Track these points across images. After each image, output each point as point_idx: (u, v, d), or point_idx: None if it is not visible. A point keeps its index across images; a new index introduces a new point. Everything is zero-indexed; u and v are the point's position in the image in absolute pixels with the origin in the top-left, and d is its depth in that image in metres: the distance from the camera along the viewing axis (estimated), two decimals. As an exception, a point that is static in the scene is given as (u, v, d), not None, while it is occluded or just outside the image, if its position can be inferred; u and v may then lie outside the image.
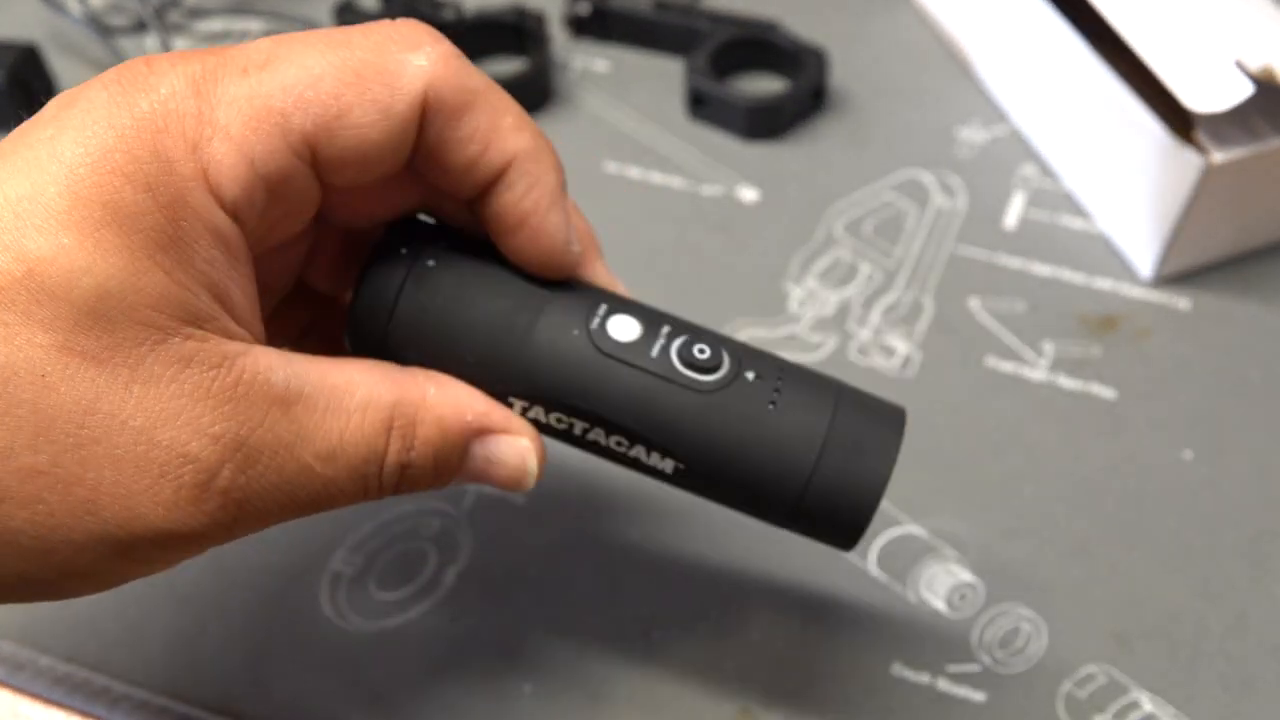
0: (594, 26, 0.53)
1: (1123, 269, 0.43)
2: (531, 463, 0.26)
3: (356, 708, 0.32)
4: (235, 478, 0.21)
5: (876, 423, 0.26)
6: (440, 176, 0.25)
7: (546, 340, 0.25)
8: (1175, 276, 0.42)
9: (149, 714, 0.32)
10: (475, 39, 0.52)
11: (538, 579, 0.35)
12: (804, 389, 0.25)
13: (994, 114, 0.49)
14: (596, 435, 0.25)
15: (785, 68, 0.50)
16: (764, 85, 0.51)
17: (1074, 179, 0.45)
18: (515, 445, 0.25)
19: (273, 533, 0.36)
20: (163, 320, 0.21)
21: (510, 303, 0.25)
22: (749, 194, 0.46)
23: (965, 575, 0.34)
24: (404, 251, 0.25)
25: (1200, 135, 0.38)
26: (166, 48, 0.49)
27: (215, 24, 0.55)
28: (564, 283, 0.26)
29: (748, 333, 0.41)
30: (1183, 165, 0.38)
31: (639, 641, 0.33)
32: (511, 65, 0.52)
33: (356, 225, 0.27)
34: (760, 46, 0.50)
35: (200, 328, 0.21)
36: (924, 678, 0.32)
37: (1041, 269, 0.43)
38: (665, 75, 0.51)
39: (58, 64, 0.52)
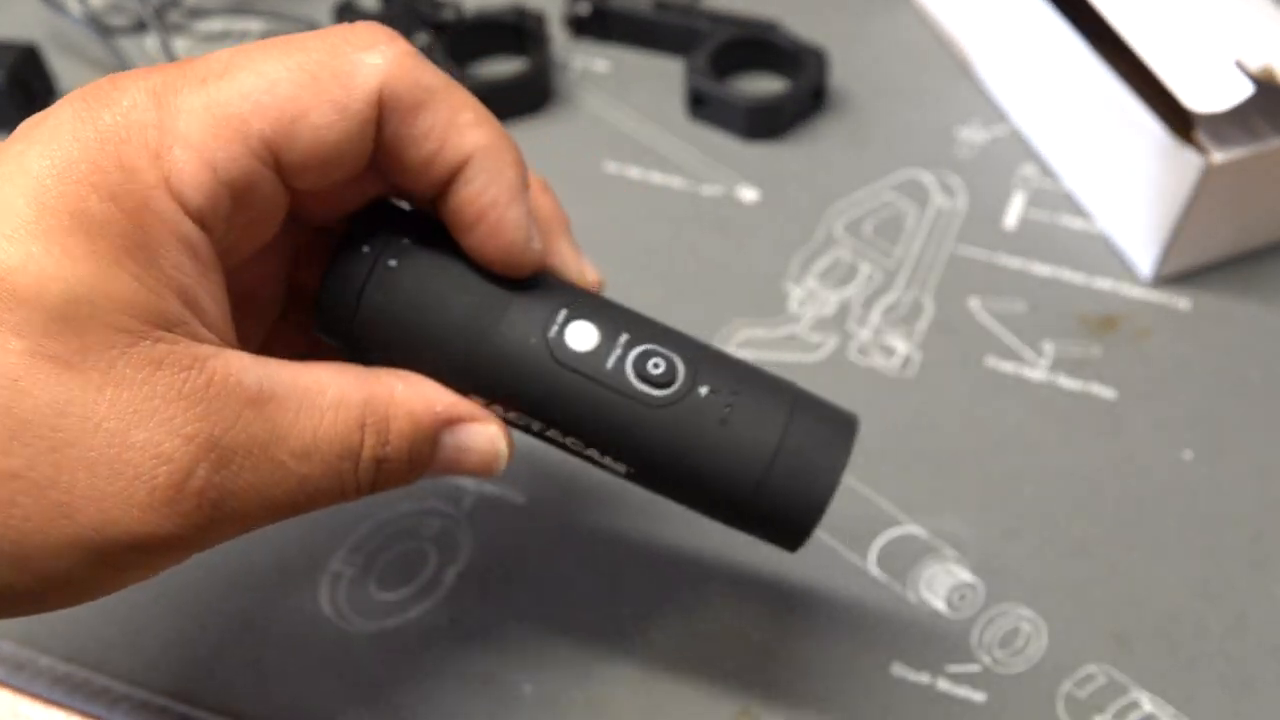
0: (594, 26, 0.53)
1: (1123, 269, 0.43)
2: (500, 445, 0.26)
3: (356, 708, 0.32)
4: (210, 477, 0.21)
5: (828, 434, 0.26)
6: (400, 175, 0.25)
7: (505, 347, 0.25)
8: (1175, 276, 0.42)
9: (149, 714, 0.32)
10: (475, 39, 0.52)
11: (537, 579, 0.35)
12: (758, 402, 0.26)
13: (994, 114, 0.49)
14: (554, 434, 0.26)
15: (785, 68, 0.50)
16: (764, 85, 0.51)
17: (1074, 179, 0.45)
18: (484, 431, 0.26)
19: (273, 533, 0.36)
20: (132, 324, 0.21)
21: (471, 305, 0.25)
22: (749, 194, 0.46)
23: (965, 575, 0.34)
24: (366, 249, 0.25)
25: (1200, 135, 0.38)
26: (167, 47, 0.49)
27: (215, 24, 0.55)
28: (527, 280, 0.26)
29: (747, 333, 0.41)
30: (1183, 165, 0.38)
31: (639, 641, 0.33)
32: (511, 65, 0.52)
33: (330, 225, 0.27)
34: (760, 46, 0.50)
35: (170, 330, 0.21)
36: (924, 678, 0.32)
37: (1041, 269, 0.43)
38: (665, 75, 0.51)
39: (58, 64, 0.52)
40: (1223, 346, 0.40)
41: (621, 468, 0.26)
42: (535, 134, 0.49)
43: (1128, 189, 0.42)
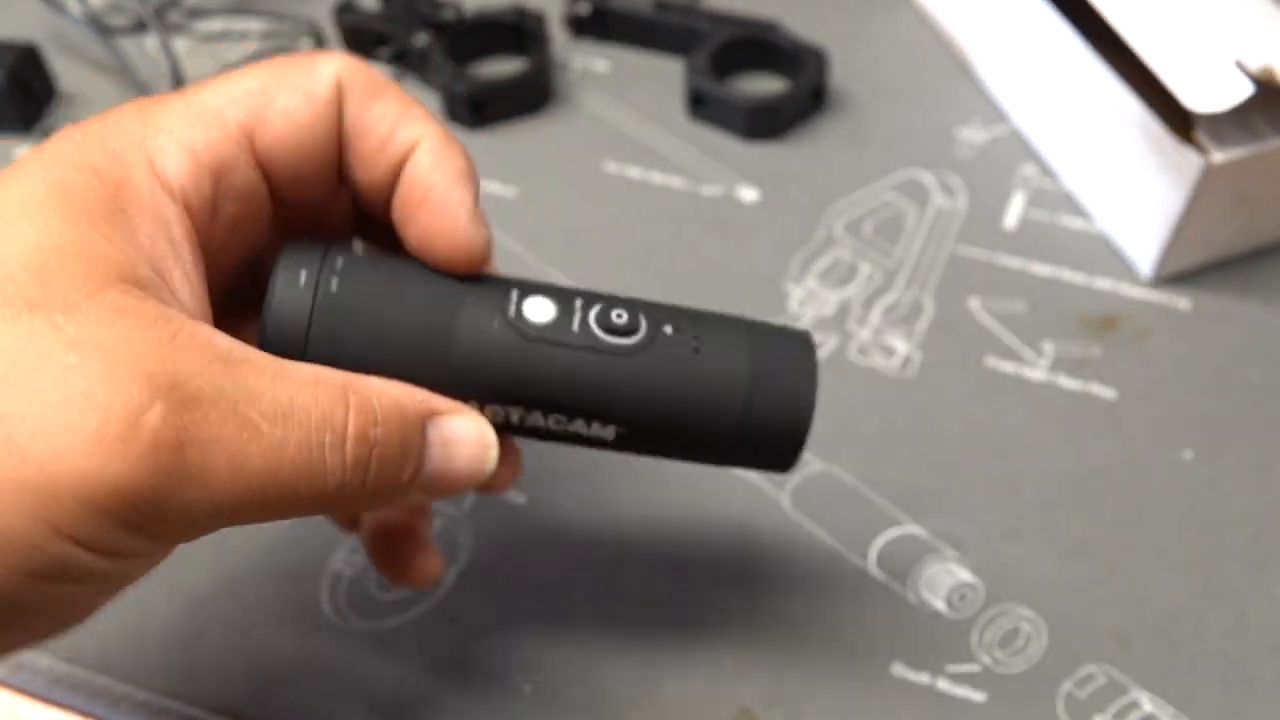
0: (594, 26, 0.53)
1: (1123, 269, 0.43)
2: (488, 434, 0.25)
3: (356, 708, 0.32)
4: (168, 418, 0.20)
5: (792, 347, 0.27)
6: (357, 166, 0.26)
7: (469, 338, 0.25)
8: (1175, 276, 0.42)
9: (149, 714, 0.32)
10: (475, 39, 0.52)
11: (538, 579, 0.35)
12: (720, 331, 0.26)
13: (994, 114, 0.49)
14: (534, 419, 0.26)
15: (785, 68, 0.50)
16: (764, 85, 0.51)
17: (1074, 179, 0.45)
18: (468, 422, 0.25)
19: (273, 532, 0.36)
20: (100, 277, 0.21)
21: (423, 307, 0.25)
22: (749, 194, 0.46)
23: (965, 575, 0.34)
24: (304, 275, 0.24)
25: (1200, 135, 0.38)
26: (167, 47, 0.49)
27: (215, 24, 0.55)
28: (471, 277, 0.26)
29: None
30: (1183, 165, 0.38)
31: (639, 641, 0.33)
32: (511, 65, 0.52)
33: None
34: (760, 46, 0.50)
35: (140, 288, 0.21)
36: (924, 678, 0.32)
37: (1041, 269, 0.43)
38: (665, 75, 0.51)
39: (58, 64, 0.52)
40: (1223, 346, 0.40)
41: (610, 431, 0.26)
42: (535, 134, 0.49)
43: (1128, 189, 0.42)
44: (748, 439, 0.26)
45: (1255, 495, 0.36)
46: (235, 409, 0.21)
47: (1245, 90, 0.36)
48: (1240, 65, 0.36)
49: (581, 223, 0.45)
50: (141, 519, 0.20)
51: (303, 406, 0.22)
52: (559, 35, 0.54)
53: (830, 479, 0.37)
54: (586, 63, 0.53)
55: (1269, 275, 0.42)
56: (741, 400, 0.26)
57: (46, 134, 0.47)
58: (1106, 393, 0.39)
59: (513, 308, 0.25)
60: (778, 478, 0.37)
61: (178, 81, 0.49)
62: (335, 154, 0.26)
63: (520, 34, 0.51)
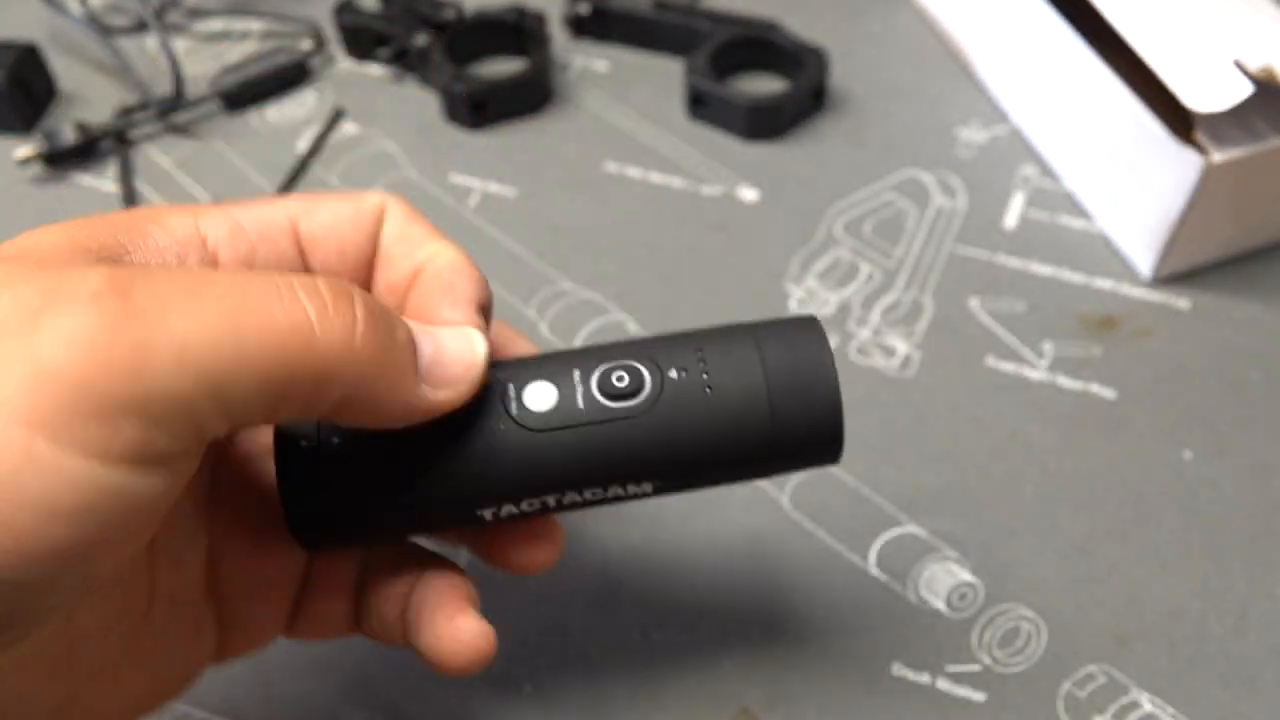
0: (594, 26, 0.53)
1: (1123, 269, 0.43)
2: (480, 343, 0.24)
3: (356, 708, 0.32)
4: (108, 273, 0.19)
5: (800, 340, 0.26)
6: (385, 265, 0.27)
7: (481, 448, 0.24)
8: (1175, 276, 0.42)
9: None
10: (475, 39, 0.52)
11: (538, 579, 0.35)
12: (726, 354, 0.25)
13: (994, 114, 0.49)
14: (571, 499, 0.25)
15: (785, 68, 0.50)
16: (764, 85, 0.51)
17: (1074, 179, 0.45)
18: (457, 331, 0.24)
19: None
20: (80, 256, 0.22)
21: (430, 433, 0.24)
22: (749, 194, 0.46)
23: (965, 575, 0.34)
24: (304, 443, 0.24)
25: (1200, 135, 0.38)
26: (167, 47, 0.49)
27: (215, 24, 0.55)
28: None
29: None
30: (1183, 165, 0.38)
31: (639, 641, 0.33)
32: (511, 65, 0.52)
33: None
34: (760, 46, 0.50)
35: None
36: (924, 678, 0.32)
37: (1041, 269, 0.43)
38: (665, 75, 0.51)
39: (58, 64, 0.52)
40: (1223, 346, 0.40)
41: (648, 486, 0.26)
42: (535, 134, 0.49)
43: (1128, 189, 0.42)
44: (783, 449, 0.25)
45: (1255, 495, 0.36)
46: (182, 270, 0.22)
47: (1245, 90, 0.36)
48: (1240, 65, 0.36)
49: (581, 223, 0.45)
50: (110, 381, 0.18)
51: (262, 258, 0.25)
52: (559, 35, 0.54)
53: (830, 479, 0.37)
54: (586, 63, 0.53)
55: (1269, 275, 0.42)
56: (765, 418, 0.25)
57: (46, 134, 0.47)
58: (1106, 393, 0.39)
59: (514, 404, 0.25)
60: (778, 478, 0.37)
61: (178, 81, 0.49)
62: (370, 257, 0.26)
63: (520, 34, 0.51)
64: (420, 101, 0.51)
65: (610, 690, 0.32)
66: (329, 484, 0.24)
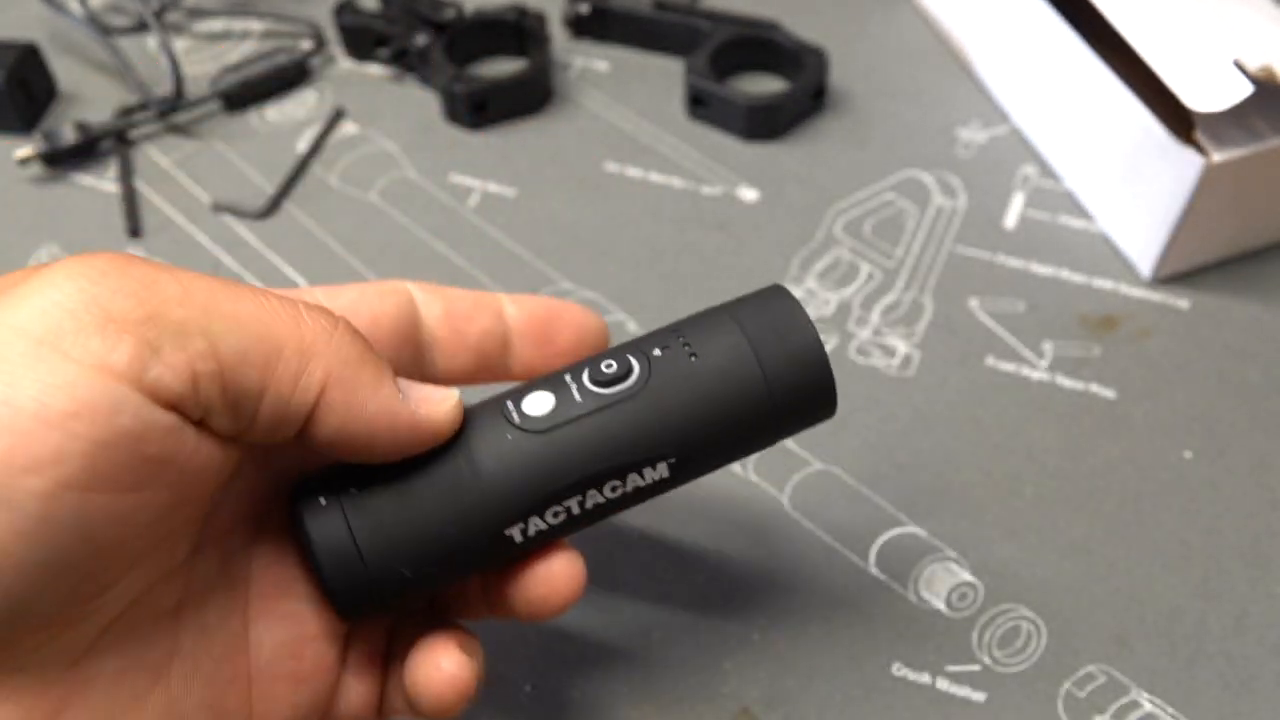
0: (594, 26, 0.53)
1: (1123, 269, 0.43)
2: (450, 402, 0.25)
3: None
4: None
5: (772, 306, 0.27)
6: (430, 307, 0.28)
7: (494, 462, 0.25)
8: (1175, 276, 0.42)
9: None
10: (475, 39, 0.52)
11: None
12: (702, 327, 0.27)
13: (994, 114, 0.49)
14: (592, 498, 0.26)
15: (785, 68, 0.50)
16: (764, 85, 0.51)
17: (1074, 179, 0.45)
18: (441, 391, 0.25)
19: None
20: None
21: (446, 465, 0.25)
22: (749, 194, 0.46)
23: (965, 575, 0.34)
24: (323, 500, 0.25)
25: (1200, 135, 0.38)
26: (167, 48, 0.49)
27: (215, 24, 0.55)
28: (471, 408, 0.26)
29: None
30: (1183, 165, 0.38)
31: (639, 641, 0.33)
32: (511, 65, 0.52)
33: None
34: (760, 46, 0.50)
35: None
36: (924, 678, 0.32)
37: (1041, 269, 0.43)
38: (665, 75, 0.51)
39: (58, 64, 0.52)
40: (1222, 346, 0.40)
41: (664, 468, 0.26)
42: (535, 134, 0.49)
43: (1128, 189, 0.42)
44: (779, 401, 0.26)
45: (1255, 495, 0.36)
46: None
47: (1245, 90, 0.36)
48: (1240, 65, 0.36)
49: (581, 223, 0.45)
50: (114, 298, 0.20)
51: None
52: (559, 35, 0.54)
53: (830, 479, 0.37)
54: (586, 63, 0.53)
55: (1268, 275, 0.42)
56: (756, 368, 0.26)
57: (46, 134, 0.47)
58: (1106, 393, 0.39)
59: (515, 415, 0.25)
60: (778, 477, 0.37)
61: (178, 81, 0.49)
62: (405, 331, 0.27)
63: (520, 34, 0.51)
64: (420, 101, 0.51)
65: (610, 690, 0.32)
66: (360, 530, 0.24)
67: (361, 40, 0.52)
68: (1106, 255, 0.43)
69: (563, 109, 0.50)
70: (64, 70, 0.52)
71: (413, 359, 0.27)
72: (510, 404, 0.26)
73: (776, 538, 0.35)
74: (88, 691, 0.22)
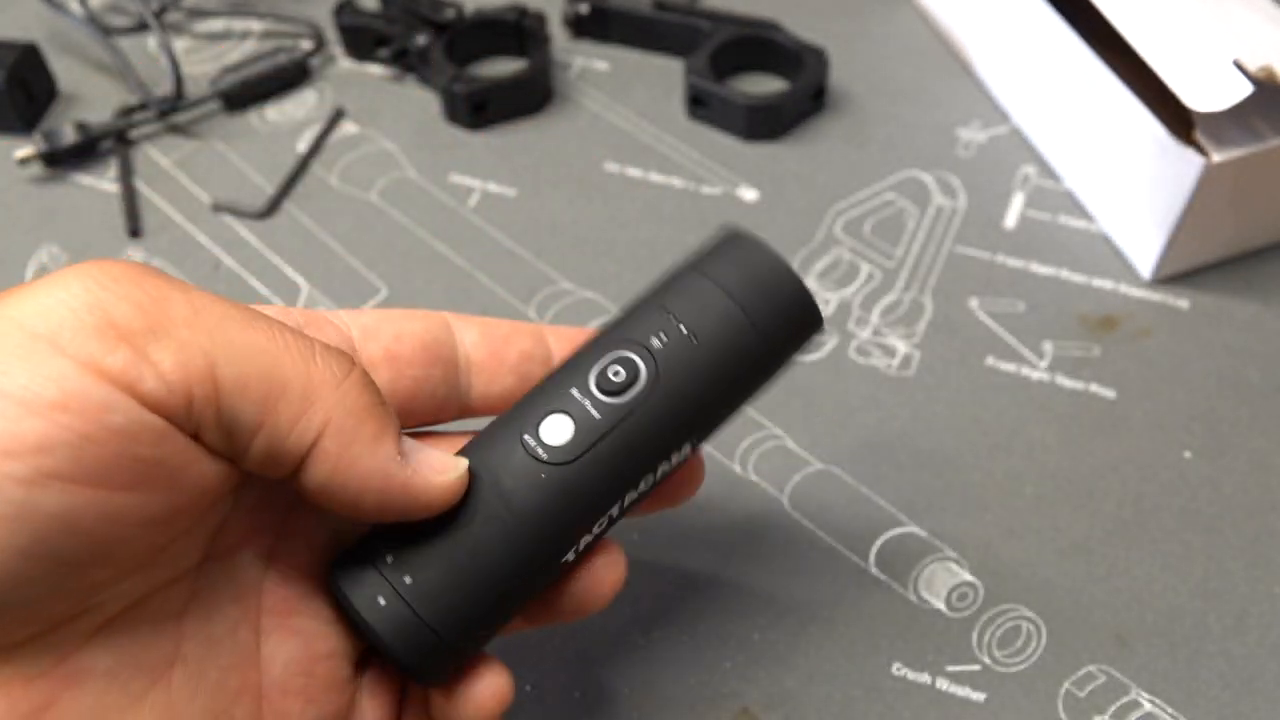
0: (594, 26, 0.53)
1: (1123, 269, 0.43)
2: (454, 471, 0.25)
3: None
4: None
5: (743, 254, 0.27)
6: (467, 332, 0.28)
7: (535, 504, 0.25)
8: (1175, 276, 0.42)
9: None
10: (475, 39, 0.52)
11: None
12: (686, 297, 0.26)
13: (994, 114, 0.49)
14: (630, 498, 0.26)
15: (785, 68, 0.50)
16: (764, 85, 0.51)
17: (1074, 179, 0.45)
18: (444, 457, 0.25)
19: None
20: None
21: (476, 504, 0.25)
22: (749, 194, 0.46)
23: (965, 575, 0.34)
24: (365, 568, 0.24)
25: (1200, 135, 0.38)
26: (167, 48, 0.49)
27: (215, 24, 0.55)
28: (486, 433, 0.26)
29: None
30: (1183, 165, 0.38)
31: (639, 641, 0.33)
32: (511, 65, 0.52)
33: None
34: (760, 46, 0.50)
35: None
36: (924, 678, 0.32)
37: (1041, 269, 0.43)
38: (665, 75, 0.51)
39: (58, 64, 0.52)
40: (1222, 346, 0.40)
41: (687, 448, 0.26)
42: (535, 134, 0.49)
43: (1128, 189, 0.42)
44: (775, 345, 0.26)
45: (1255, 495, 0.36)
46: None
47: (1245, 90, 0.36)
48: (1240, 65, 0.36)
49: (581, 223, 0.45)
50: (119, 306, 0.20)
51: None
52: (559, 35, 0.54)
53: (830, 479, 0.37)
54: (586, 63, 0.53)
55: (1268, 275, 0.42)
56: (751, 331, 0.26)
57: (46, 134, 0.47)
58: (1106, 393, 0.39)
59: (540, 449, 0.25)
60: (778, 477, 0.37)
61: (178, 81, 0.49)
62: (438, 352, 0.27)
63: (520, 34, 0.51)
64: (420, 101, 0.51)
65: (610, 690, 0.32)
66: (408, 594, 0.24)
67: (361, 40, 0.52)
68: (1106, 255, 0.43)
69: (563, 109, 0.50)
70: (64, 70, 0.52)
71: (444, 379, 0.27)
72: (529, 437, 0.25)
73: (777, 538, 0.35)
74: (79, 686, 0.22)
